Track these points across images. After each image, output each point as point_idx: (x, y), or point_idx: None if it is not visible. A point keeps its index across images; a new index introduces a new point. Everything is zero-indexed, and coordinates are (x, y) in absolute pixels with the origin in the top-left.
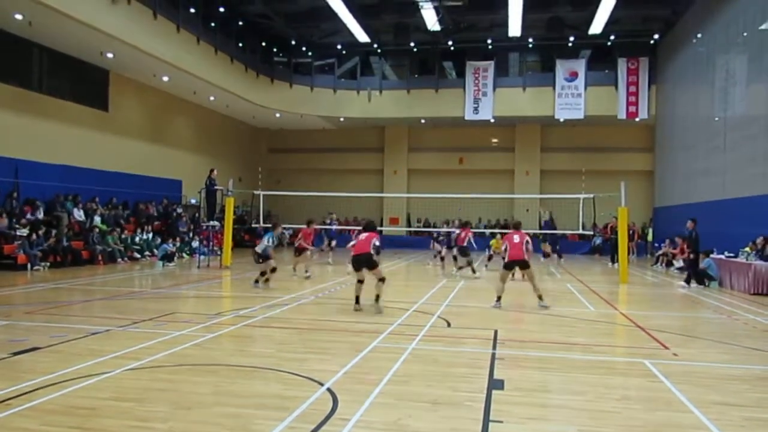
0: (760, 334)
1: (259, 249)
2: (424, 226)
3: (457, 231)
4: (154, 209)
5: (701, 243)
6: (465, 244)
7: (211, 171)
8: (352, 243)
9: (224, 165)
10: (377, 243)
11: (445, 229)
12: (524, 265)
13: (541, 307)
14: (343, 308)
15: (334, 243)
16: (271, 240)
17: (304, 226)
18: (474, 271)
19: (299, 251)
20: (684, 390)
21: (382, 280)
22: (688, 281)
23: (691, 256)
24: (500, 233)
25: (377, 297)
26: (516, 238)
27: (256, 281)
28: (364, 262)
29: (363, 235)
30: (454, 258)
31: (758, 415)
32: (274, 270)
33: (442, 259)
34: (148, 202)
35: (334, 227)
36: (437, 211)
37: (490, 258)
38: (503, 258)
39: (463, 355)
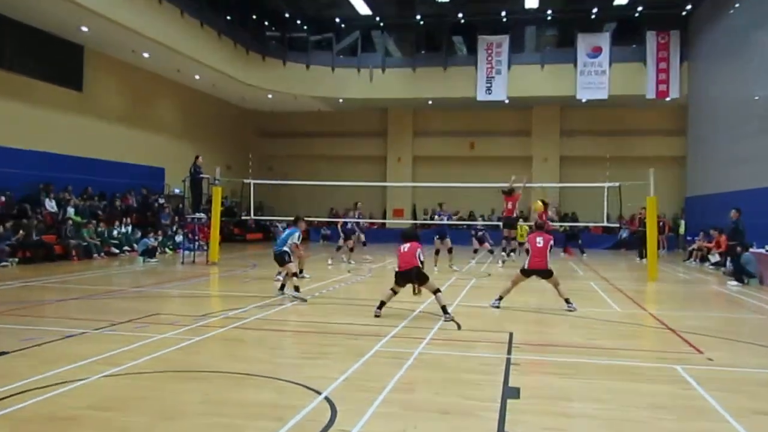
0: None
1: (286, 248)
2: (429, 218)
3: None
4: (133, 200)
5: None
6: (514, 214)
7: (197, 158)
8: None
9: (211, 151)
10: (421, 257)
11: (481, 223)
12: (546, 275)
13: (568, 309)
14: (341, 309)
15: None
16: (298, 237)
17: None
18: (509, 255)
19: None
20: (719, 398)
21: (437, 291)
22: (740, 279)
23: (738, 249)
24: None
25: (444, 308)
26: (539, 242)
27: (296, 288)
28: (414, 276)
29: (405, 247)
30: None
31: None
32: (294, 275)
33: (492, 252)
34: (126, 191)
35: (361, 221)
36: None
37: (513, 250)
38: (526, 251)
39: (475, 361)
